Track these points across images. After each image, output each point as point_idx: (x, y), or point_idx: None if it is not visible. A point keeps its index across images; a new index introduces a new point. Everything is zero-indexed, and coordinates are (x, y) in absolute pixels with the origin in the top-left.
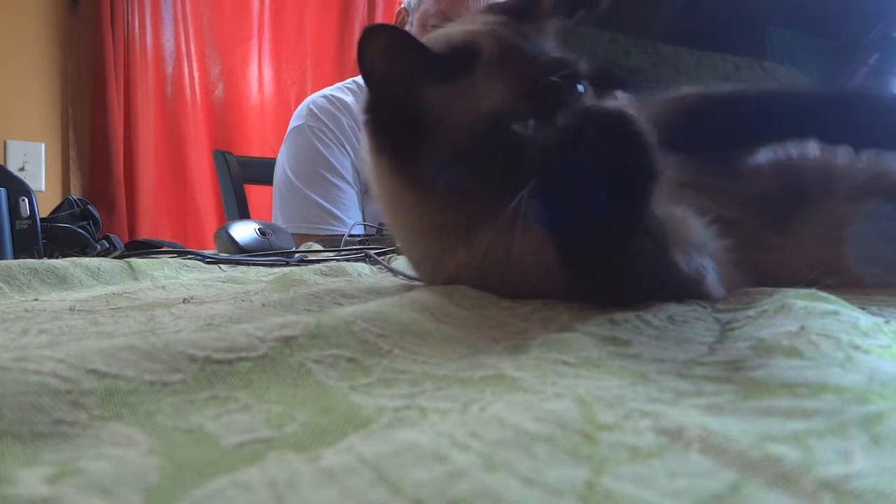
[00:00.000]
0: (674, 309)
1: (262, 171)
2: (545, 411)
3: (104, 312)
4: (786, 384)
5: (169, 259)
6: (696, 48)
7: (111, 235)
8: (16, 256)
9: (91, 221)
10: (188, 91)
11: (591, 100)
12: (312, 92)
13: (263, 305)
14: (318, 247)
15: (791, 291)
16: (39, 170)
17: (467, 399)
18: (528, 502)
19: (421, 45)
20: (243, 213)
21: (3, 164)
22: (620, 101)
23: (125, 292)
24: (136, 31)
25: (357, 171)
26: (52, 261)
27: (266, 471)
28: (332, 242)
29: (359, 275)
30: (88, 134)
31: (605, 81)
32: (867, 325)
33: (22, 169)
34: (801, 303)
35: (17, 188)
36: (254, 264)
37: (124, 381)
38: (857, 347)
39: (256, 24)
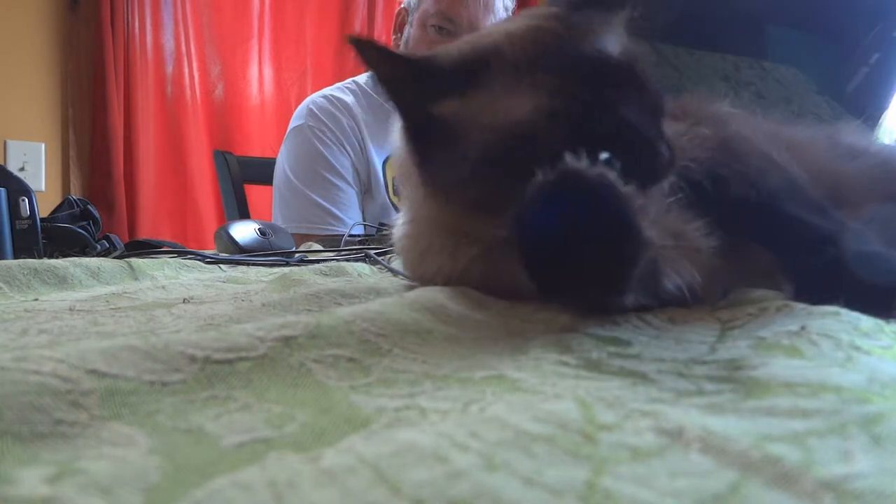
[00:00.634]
0: (674, 309)
1: (262, 171)
2: (545, 412)
3: (104, 312)
4: (786, 384)
5: (169, 259)
6: (696, 48)
7: (111, 235)
8: (16, 256)
9: (91, 221)
10: (188, 91)
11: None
12: (312, 92)
13: (263, 305)
14: (318, 247)
15: None
16: (39, 170)
17: (467, 399)
18: (528, 502)
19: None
20: (243, 213)
21: (3, 163)
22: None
23: (125, 292)
24: (136, 31)
25: (357, 171)
26: (52, 261)
27: (266, 471)
28: (332, 242)
29: (359, 275)
30: (88, 134)
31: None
32: (868, 326)
33: (22, 169)
34: (801, 302)
35: (17, 188)
36: (254, 264)
37: (124, 381)
38: (857, 348)
39: (256, 24)
